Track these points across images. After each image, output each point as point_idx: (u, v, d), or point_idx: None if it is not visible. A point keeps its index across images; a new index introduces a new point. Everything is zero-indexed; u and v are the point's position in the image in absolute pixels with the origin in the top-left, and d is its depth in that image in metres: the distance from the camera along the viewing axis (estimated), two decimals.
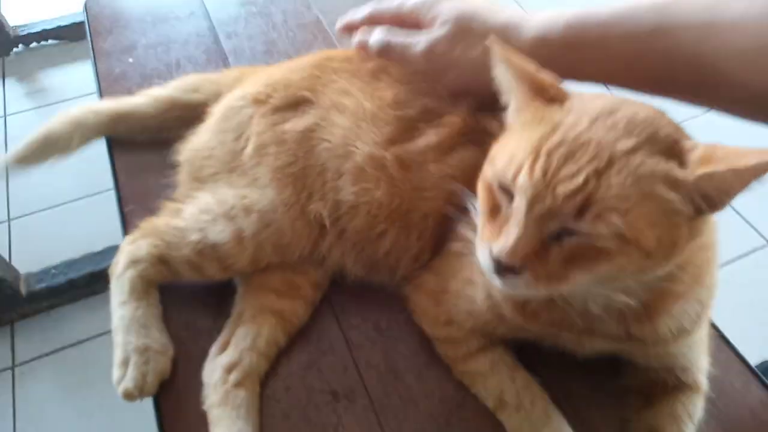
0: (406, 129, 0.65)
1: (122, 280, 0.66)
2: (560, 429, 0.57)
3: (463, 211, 0.56)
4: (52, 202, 1.87)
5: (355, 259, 0.66)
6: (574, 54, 0.57)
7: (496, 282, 0.47)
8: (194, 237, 0.65)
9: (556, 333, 0.57)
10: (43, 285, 1.58)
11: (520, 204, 0.44)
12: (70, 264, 1.62)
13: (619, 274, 0.45)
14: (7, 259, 1.63)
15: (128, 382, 0.60)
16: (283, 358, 0.66)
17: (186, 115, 0.77)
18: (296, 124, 0.67)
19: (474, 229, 0.51)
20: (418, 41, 0.63)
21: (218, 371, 0.61)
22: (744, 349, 0.67)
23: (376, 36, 0.67)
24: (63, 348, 1.55)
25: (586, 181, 0.41)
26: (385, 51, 0.66)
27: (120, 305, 0.65)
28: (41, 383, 1.50)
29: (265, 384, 0.64)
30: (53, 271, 1.61)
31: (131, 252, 0.67)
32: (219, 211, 0.65)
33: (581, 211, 0.42)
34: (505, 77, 0.50)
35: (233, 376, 0.61)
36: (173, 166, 0.74)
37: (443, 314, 0.63)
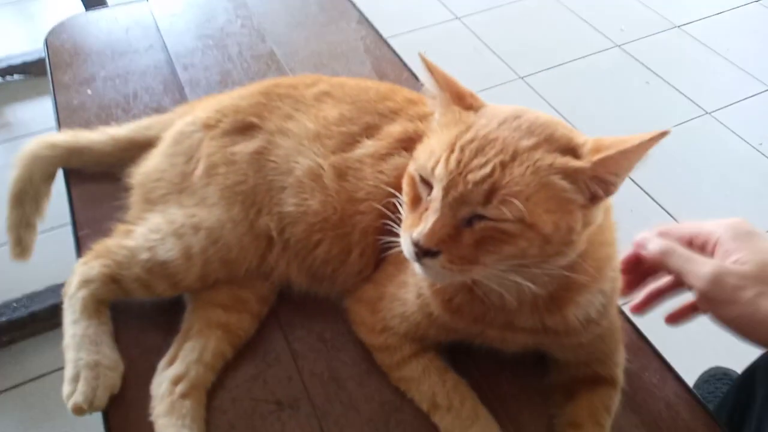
0: (348, 142, 0.70)
1: (74, 299, 0.69)
2: (488, 425, 0.61)
3: (398, 217, 0.61)
4: None
5: (298, 269, 0.70)
6: None
7: (418, 269, 0.52)
8: (144, 256, 0.68)
9: (480, 330, 0.62)
10: (3, 319, 1.57)
11: (437, 192, 0.49)
12: (32, 297, 1.61)
13: (523, 257, 0.50)
14: None
15: (78, 397, 0.62)
16: (230, 370, 0.69)
17: (139, 155, 0.80)
18: (246, 146, 0.72)
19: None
20: (707, 262, 0.57)
21: (165, 383, 0.64)
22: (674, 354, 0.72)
23: (661, 240, 0.60)
24: (23, 383, 1.53)
25: (492, 171, 0.47)
26: (667, 254, 0.59)
27: (72, 324, 0.67)
28: (1, 419, 1.48)
29: (212, 396, 0.67)
30: (14, 304, 1.60)
31: (83, 272, 0.70)
32: (168, 230, 0.69)
33: (488, 198, 0.47)
34: (431, 85, 0.56)
35: (180, 388, 0.63)
36: (126, 189, 0.78)
37: (379, 322, 0.67)
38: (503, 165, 0.47)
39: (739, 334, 0.54)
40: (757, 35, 2.42)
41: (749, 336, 0.54)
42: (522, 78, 2.20)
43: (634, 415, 0.66)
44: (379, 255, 0.69)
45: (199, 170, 0.72)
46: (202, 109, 0.79)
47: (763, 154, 1.94)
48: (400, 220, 0.57)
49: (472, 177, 0.48)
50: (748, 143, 1.99)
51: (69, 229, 0.82)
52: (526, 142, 0.49)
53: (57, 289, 1.65)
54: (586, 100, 2.09)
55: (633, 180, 1.75)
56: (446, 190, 0.48)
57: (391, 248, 0.66)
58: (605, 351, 0.64)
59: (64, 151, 0.84)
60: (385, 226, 0.63)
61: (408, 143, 0.68)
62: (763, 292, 0.53)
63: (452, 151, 0.49)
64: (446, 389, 0.63)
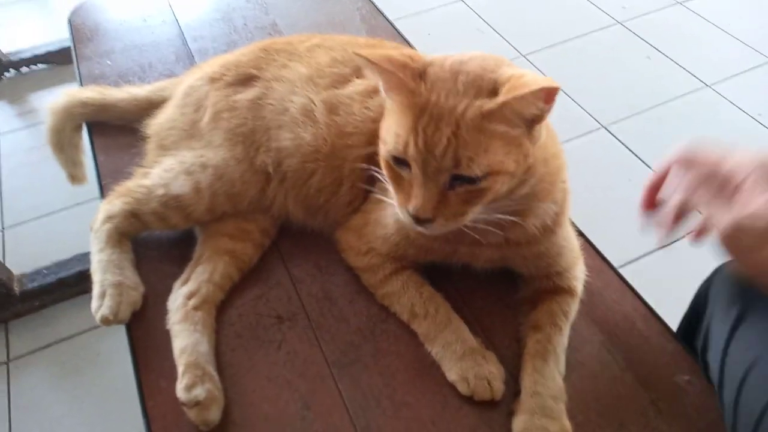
0: (339, 81, 0.78)
1: (100, 232, 0.79)
2: (459, 327, 0.69)
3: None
4: (42, 211, 1.99)
5: (294, 200, 0.79)
6: None
7: (419, 229, 0.61)
8: (160, 192, 0.78)
9: (453, 248, 0.70)
10: (35, 284, 1.69)
11: (416, 170, 0.57)
12: (60, 264, 1.73)
13: (499, 197, 0.59)
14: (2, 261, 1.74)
15: (105, 310, 0.71)
16: (237, 291, 0.78)
17: (156, 111, 0.90)
18: (246, 95, 0.81)
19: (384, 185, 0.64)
20: (737, 204, 0.53)
21: (180, 298, 0.73)
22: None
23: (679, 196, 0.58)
24: (55, 342, 1.65)
25: (449, 142, 0.55)
26: (687, 205, 0.57)
27: (98, 252, 0.77)
28: (34, 376, 1.60)
29: (221, 312, 0.76)
30: (44, 271, 1.72)
31: (107, 209, 0.80)
32: (180, 169, 0.78)
33: (457, 162, 0.55)
34: (378, 76, 0.60)
35: (192, 301, 0.73)
36: (142, 140, 0.87)
37: (364, 245, 0.75)
38: (454, 135, 0.55)
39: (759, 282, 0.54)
40: (758, 8, 2.44)
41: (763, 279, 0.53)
42: (524, 56, 2.26)
43: (593, 325, 0.74)
44: (366, 191, 0.77)
45: (206, 118, 0.82)
46: (208, 66, 0.88)
47: (762, 125, 1.98)
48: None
49: (438, 151, 0.55)
50: (747, 114, 2.02)
51: (92, 204, 0.92)
52: (462, 106, 0.55)
53: (83, 258, 1.77)
54: (588, 76, 2.14)
55: (632, 151, 1.81)
56: (423, 167, 0.56)
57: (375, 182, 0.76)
58: (564, 265, 0.72)
59: (93, 109, 0.95)
60: (372, 156, 0.70)
61: None
62: None
63: (417, 134, 0.56)
64: (423, 300, 0.71)
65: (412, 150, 0.56)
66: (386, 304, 0.74)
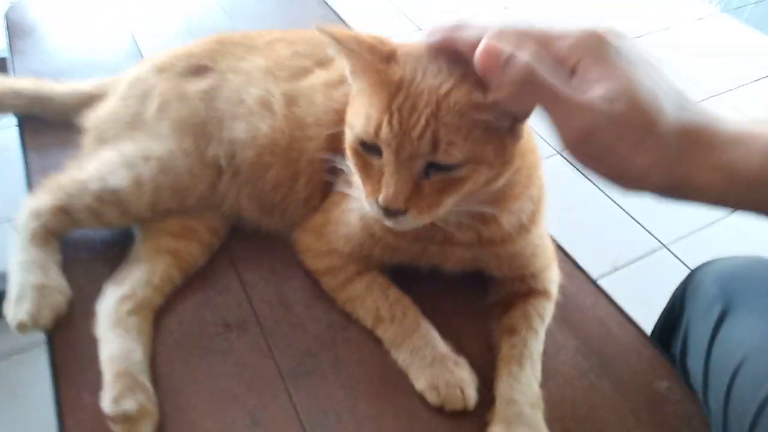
0: (301, 73, 0.73)
1: (24, 231, 0.69)
2: (428, 332, 0.63)
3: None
4: None
5: (248, 196, 0.72)
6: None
7: (389, 223, 0.55)
8: (95, 186, 0.70)
9: (422, 247, 0.65)
10: None
11: (388, 156, 0.52)
12: None
13: (476, 189, 0.54)
14: None
15: (23, 315, 0.62)
16: (179, 297, 0.70)
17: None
18: (198, 85, 0.75)
19: (349, 175, 0.59)
20: (579, 104, 0.43)
21: (112, 301, 0.64)
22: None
23: (526, 57, 0.44)
24: None
25: (427, 123, 0.50)
26: (528, 79, 0.44)
27: (20, 251, 0.68)
28: None
29: (160, 319, 0.67)
30: None
31: (33, 205, 0.70)
32: (119, 161, 0.71)
33: (434, 146, 0.50)
34: (337, 52, 0.56)
35: (126, 306, 0.64)
36: (80, 134, 0.79)
37: (324, 245, 0.69)
38: (434, 115, 0.50)
39: (608, 181, 0.46)
40: None
41: (614, 182, 0.46)
42: None
43: (569, 331, 0.69)
44: (326, 186, 0.72)
45: (153, 108, 0.75)
46: (156, 56, 0.81)
47: None
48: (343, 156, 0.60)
49: (415, 133, 0.50)
50: None
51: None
52: (446, 87, 0.50)
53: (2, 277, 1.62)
54: None
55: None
56: (397, 151, 0.51)
57: (336, 178, 0.71)
58: (539, 266, 0.68)
59: (27, 101, 0.85)
60: (335, 147, 0.64)
61: None
62: (637, 143, 0.42)
63: (391, 114, 0.51)
64: (389, 302, 0.65)
65: (385, 132, 0.51)
66: (348, 310, 0.68)
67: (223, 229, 0.75)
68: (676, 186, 0.44)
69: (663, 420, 0.62)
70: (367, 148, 0.54)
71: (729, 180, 0.43)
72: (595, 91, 0.43)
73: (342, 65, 0.59)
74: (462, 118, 0.50)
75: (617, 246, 1.65)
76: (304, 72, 0.74)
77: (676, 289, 0.72)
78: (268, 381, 0.63)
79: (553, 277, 0.69)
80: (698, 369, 0.61)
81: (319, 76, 0.73)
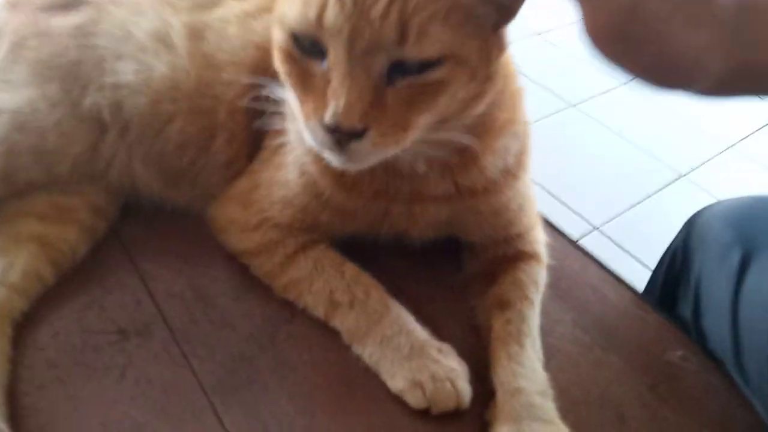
0: (206, 4, 0.57)
1: None
2: (399, 315, 0.49)
3: (273, 103, 0.49)
4: None
5: (144, 160, 0.55)
6: None
7: (338, 160, 0.41)
8: None
9: (384, 208, 0.50)
10: None
11: (337, 53, 0.38)
12: None
13: (454, 108, 0.42)
14: None
15: None
16: (51, 300, 0.51)
17: None
18: (67, 20, 0.57)
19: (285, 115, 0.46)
20: None
21: None
22: None
23: None
24: None
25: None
26: None
27: None
28: None
29: (25, 330, 0.48)
30: None
31: None
32: None
33: (403, 32, 0.37)
34: None
35: None
36: None
37: (254, 216, 0.53)
38: None
39: (647, 78, 0.36)
40: None
41: (657, 78, 0.36)
42: None
43: (561, 302, 0.58)
44: (255, 144, 0.56)
45: (3, 50, 0.55)
46: None
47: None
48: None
49: (376, 11, 0.37)
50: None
51: None
52: None
53: None
54: None
55: None
56: (351, 40, 0.37)
57: (265, 130, 0.55)
58: (526, 224, 0.56)
59: None
60: (256, 99, 0.51)
61: None
62: (690, 18, 0.33)
63: None
64: (345, 282, 0.50)
65: (332, 14, 0.37)
66: (291, 297, 0.52)
67: (111, 207, 0.57)
68: (736, 72, 0.34)
69: (685, 393, 0.51)
70: (306, 49, 0.40)
71: None
72: None
73: None
74: None
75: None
76: (212, 3, 0.58)
77: (675, 240, 0.62)
78: (186, 400, 0.45)
79: (539, 238, 0.57)
80: (722, 330, 0.51)
81: (232, 6, 0.57)
